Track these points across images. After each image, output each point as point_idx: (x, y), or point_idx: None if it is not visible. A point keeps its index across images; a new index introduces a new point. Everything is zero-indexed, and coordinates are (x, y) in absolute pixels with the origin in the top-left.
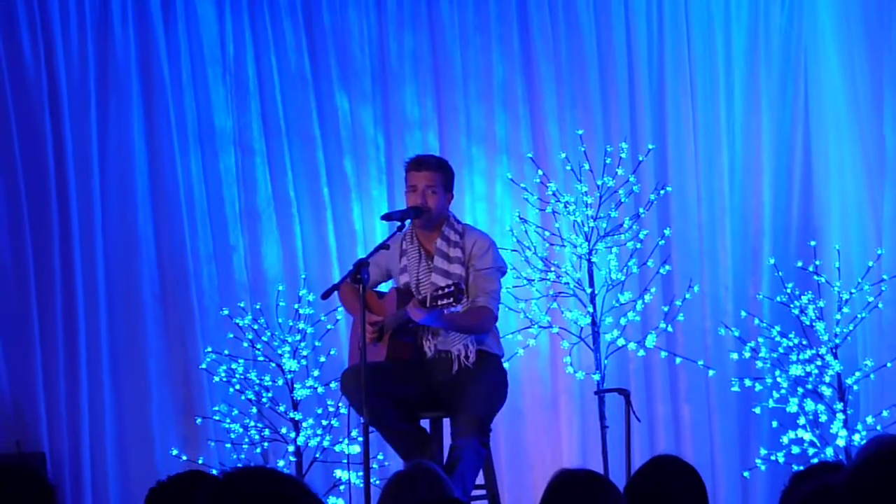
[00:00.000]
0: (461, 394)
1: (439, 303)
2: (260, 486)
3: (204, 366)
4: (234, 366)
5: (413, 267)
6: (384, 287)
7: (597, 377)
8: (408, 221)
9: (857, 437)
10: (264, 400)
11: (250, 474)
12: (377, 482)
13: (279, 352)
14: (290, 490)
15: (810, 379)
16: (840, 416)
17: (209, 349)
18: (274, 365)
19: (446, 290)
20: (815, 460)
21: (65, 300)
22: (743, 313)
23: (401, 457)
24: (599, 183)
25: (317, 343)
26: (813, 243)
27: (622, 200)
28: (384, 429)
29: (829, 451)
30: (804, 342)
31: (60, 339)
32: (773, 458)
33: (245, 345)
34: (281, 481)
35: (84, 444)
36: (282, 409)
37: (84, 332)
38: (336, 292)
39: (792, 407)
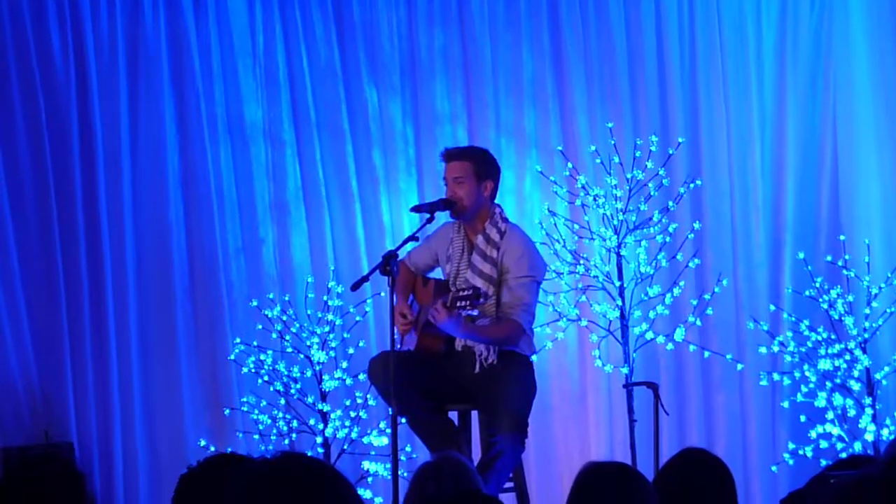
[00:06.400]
0: (495, 390)
1: (458, 304)
2: (298, 470)
3: (232, 357)
4: (262, 357)
5: (455, 258)
6: (439, 273)
7: (625, 370)
8: (438, 213)
9: (885, 432)
10: (292, 391)
11: (290, 458)
12: (405, 474)
13: (307, 343)
14: (326, 476)
15: (839, 373)
16: (868, 410)
17: (238, 340)
18: (302, 356)
19: (465, 291)
20: (844, 455)
21: (92, 292)
22: (772, 307)
23: (427, 447)
24: (629, 176)
25: (345, 335)
26: (842, 238)
27: (652, 194)
28: (411, 417)
29: (858, 446)
30: (833, 337)
31: (88, 331)
32: (801, 452)
33: (274, 336)
34: (317, 467)
35: (113, 434)
36: (310, 400)
37: (114, 324)
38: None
39: (820, 401)
